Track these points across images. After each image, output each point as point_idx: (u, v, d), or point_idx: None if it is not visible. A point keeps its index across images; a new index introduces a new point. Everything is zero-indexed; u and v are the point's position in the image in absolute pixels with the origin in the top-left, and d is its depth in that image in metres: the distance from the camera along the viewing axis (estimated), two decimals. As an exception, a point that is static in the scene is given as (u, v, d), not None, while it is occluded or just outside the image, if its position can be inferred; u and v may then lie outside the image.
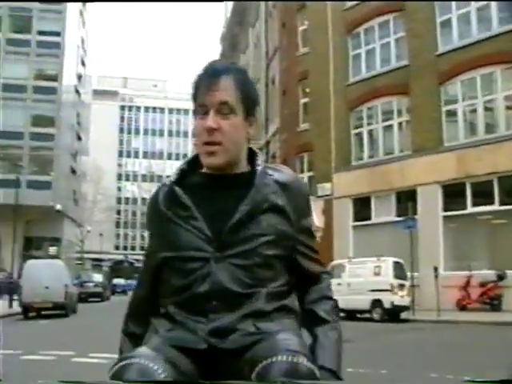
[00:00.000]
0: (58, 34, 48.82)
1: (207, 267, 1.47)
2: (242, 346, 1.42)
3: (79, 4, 55.90)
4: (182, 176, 1.60)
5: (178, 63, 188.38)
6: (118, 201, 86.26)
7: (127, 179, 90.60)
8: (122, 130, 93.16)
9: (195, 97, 1.57)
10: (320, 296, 1.65)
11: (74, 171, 57.23)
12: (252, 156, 1.63)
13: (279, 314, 1.51)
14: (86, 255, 64.19)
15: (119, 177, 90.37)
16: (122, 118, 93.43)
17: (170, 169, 70.18)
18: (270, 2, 32.98)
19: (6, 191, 42.38)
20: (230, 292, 1.45)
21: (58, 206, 45.25)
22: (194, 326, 1.46)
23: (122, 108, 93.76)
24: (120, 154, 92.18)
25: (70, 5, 50.62)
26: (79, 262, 58.56)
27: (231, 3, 48.60)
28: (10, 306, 23.25)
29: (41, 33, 48.76)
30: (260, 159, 1.62)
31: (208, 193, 1.55)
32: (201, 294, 1.47)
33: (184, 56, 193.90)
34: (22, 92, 47.59)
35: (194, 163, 1.63)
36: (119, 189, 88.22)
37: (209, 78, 1.53)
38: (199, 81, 1.56)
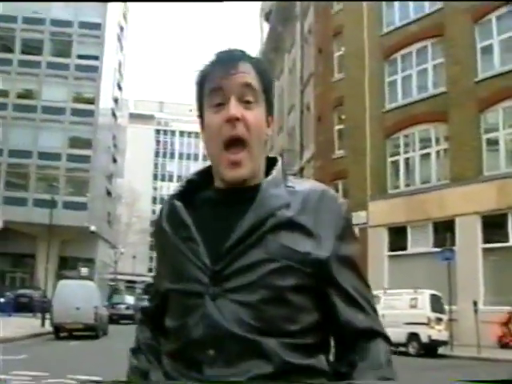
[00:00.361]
0: (96, 57, 50.00)
1: (202, 305, 1.15)
2: None
3: (117, 29, 57.12)
4: (189, 189, 1.31)
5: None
6: (153, 224, 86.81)
7: (162, 202, 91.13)
8: (157, 154, 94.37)
9: (203, 83, 1.25)
10: (375, 376, 1.15)
11: (109, 193, 58.02)
12: (271, 165, 1.29)
13: (299, 377, 1.12)
14: (119, 276, 64.65)
15: (154, 200, 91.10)
16: (158, 142, 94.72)
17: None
18: (305, 27, 32.98)
19: (43, 211, 43.04)
20: (228, 337, 1.11)
21: (93, 227, 45.86)
22: None
23: (158, 132, 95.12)
24: (155, 178, 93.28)
25: (108, 30, 51.81)
26: (112, 284, 58.97)
27: (267, 29, 48.91)
28: (43, 325, 23.41)
29: (80, 57, 50.01)
30: (277, 168, 1.27)
31: (214, 210, 1.24)
32: (194, 341, 1.14)
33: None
34: (61, 114, 48.72)
35: (205, 176, 1.32)
36: (154, 212, 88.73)
37: (224, 61, 1.23)
38: (210, 66, 1.25)
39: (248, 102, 1.21)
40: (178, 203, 1.26)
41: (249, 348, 1.11)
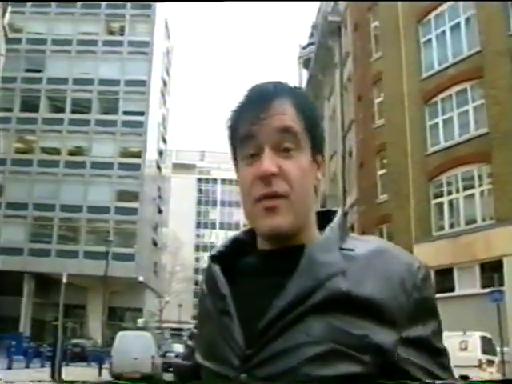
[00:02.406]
0: (141, 113, 51.99)
1: None
2: None
3: (161, 84, 59.27)
4: (232, 250, 1.12)
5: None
6: (196, 271, 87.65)
7: (205, 250, 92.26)
8: (199, 202, 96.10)
9: (234, 129, 1.07)
10: None
11: (155, 243, 59.12)
12: (327, 220, 1.08)
13: None
14: (164, 325, 65.20)
15: (197, 248, 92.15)
16: (200, 190, 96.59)
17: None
18: (345, 75, 33.77)
19: (93, 262, 44.55)
20: None
21: (141, 278, 46.79)
22: None
23: (200, 180, 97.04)
24: (198, 225, 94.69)
25: (153, 86, 53.88)
26: (159, 332, 59.42)
27: (305, 75, 50.07)
28: (100, 374, 24.13)
29: (126, 113, 52.10)
30: (333, 225, 1.06)
31: (255, 278, 1.04)
32: None
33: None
34: (109, 169, 50.54)
35: (251, 235, 1.13)
36: (197, 259, 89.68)
37: (256, 101, 1.04)
38: (241, 108, 1.06)
39: (287, 150, 1.02)
40: (216, 267, 1.08)
41: None
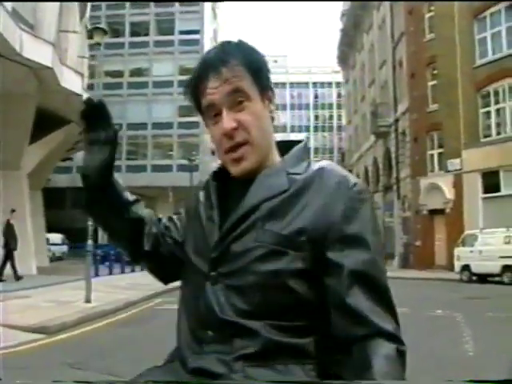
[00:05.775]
0: (197, 31, 53.67)
1: (204, 286, 1.18)
2: None
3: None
4: (225, 173, 1.28)
5: (296, 37, 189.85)
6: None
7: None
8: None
9: (197, 100, 1.24)
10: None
11: (213, 153, 62.07)
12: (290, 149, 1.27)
13: (284, 359, 1.11)
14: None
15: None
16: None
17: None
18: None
19: (160, 175, 48.37)
20: (222, 321, 1.13)
21: (205, 187, 50.04)
22: (184, 359, 1.19)
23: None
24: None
25: (206, 3, 55.06)
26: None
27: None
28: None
29: (182, 32, 53.89)
30: (290, 154, 1.26)
31: (235, 196, 1.23)
32: (197, 320, 1.19)
33: (302, 30, 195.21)
34: (169, 87, 53.03)
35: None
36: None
37: (207, 70, 1.20)
38: (196, 79, 1.23)
39: (240, 103, 1.19)
40: (214, 183, 1.29)
41: (238, 330, 1.12)
